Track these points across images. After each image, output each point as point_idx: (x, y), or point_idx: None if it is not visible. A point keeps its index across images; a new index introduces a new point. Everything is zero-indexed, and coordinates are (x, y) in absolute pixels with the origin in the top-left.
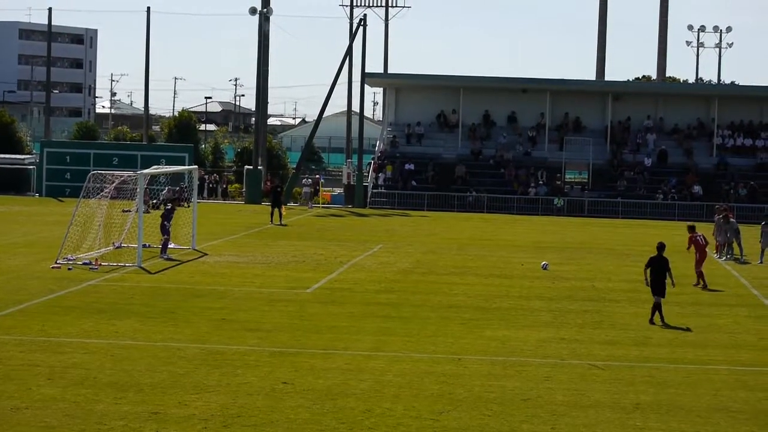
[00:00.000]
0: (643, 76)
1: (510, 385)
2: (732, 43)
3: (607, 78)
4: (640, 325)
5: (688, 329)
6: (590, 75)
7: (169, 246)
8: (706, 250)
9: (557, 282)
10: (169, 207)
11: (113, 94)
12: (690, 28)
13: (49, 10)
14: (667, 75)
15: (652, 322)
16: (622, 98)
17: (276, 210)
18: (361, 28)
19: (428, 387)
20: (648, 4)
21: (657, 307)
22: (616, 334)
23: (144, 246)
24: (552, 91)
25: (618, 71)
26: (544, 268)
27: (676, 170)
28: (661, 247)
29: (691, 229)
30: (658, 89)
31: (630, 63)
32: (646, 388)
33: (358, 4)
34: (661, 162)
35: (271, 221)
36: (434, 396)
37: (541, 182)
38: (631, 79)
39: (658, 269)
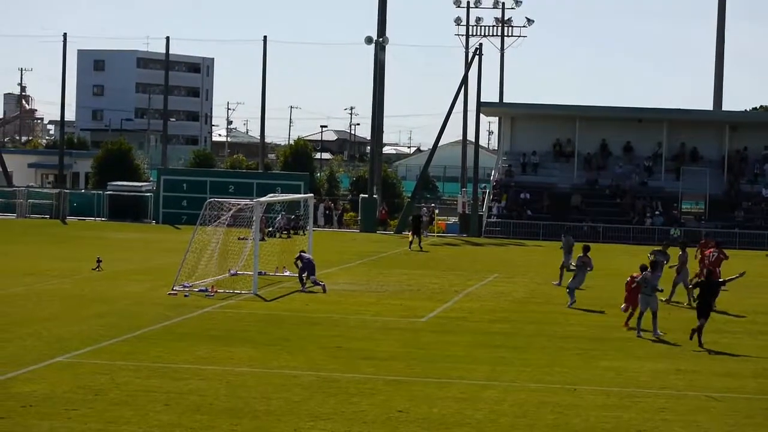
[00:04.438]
0: (761, 106)
1: (626, 416)
2: None
3: (724, 108)
4: (759, 356)
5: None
6: (707, 105)
7: (285, 274)
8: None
9: (673, 313)
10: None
11: (229, 123)
12: None
13: (167, 39)
14: None
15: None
16: (740, 128)
17: (415, 237)
18: (476, 57)
19: (544, 417)
20: (766, 33)
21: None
22: (733, 366)
23: (259, 273)
24: (668, 121)
25: (735, 101)
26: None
27: None
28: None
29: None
30: None
31: (748, 92)
32: (764, 421)
33: (474, 34)
34: None
35: (410, 247)
36: (550, 426)
37: (657, 212)
38: (748, 109)
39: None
